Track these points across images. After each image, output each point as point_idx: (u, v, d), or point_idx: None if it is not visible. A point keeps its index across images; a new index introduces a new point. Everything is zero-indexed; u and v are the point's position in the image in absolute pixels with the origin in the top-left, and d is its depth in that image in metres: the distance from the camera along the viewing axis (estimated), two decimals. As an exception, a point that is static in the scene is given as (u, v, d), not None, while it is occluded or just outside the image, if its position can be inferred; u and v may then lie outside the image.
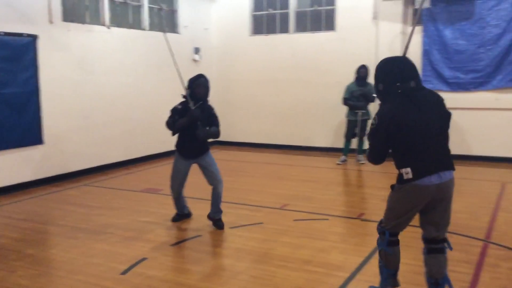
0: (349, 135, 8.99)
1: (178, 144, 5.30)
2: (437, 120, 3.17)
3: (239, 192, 6.46)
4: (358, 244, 4.86)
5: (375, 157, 3.31)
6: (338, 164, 8.93)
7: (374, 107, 9.14)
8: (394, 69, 3.22)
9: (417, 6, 8.89)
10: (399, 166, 3.20)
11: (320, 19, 10.35)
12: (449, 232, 4.98)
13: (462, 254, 4.50)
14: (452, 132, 10.21)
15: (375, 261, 4.33)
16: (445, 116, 3.23)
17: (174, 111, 5.12)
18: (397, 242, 3.40)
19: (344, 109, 9.05)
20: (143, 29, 9.50)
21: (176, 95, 9.90)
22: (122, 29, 8.95)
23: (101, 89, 8.50)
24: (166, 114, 9.70)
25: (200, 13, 10.97)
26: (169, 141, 9.99)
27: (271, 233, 5.12)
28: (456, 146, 9.08)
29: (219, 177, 5.22)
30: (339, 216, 5.79)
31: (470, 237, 4.93)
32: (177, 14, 10.33)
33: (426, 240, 3.35)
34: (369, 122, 9.03)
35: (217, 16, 11.31)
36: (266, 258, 4.45)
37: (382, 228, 3.40)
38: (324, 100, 10.23)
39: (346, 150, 9.04)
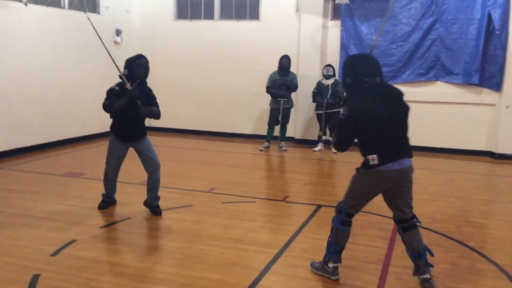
0: (272, 123, 9.28)
1: (114, 127, 5.09)
2: (399, 112, 3.50)
3: (167, 176, 6.47)
4: (284, 224, 5.13)
5: (343, 144, 3.54)
6: (262, 150, 9.21)
7: (296, 96, 9.56)
8: (362, 65, 3.52)
9: (337, 1, 9.33)
10: (365, 153, 3.48)
11: (245, 7, 10.52)
12: (366, 212, 5.45)
13: (377, 231, 4.94)
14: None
15: (300, 238, 4.67)
16: (405, 108, 3.54)
17: (111, 92, 4.90)
18: (350, 223, 3.70)
19: (268, 97, 9.32)
20: (62, 8, 9.11)
21: (97, 77, 9.74)
22: (40, 6, 8.53)
23: (16, 68, 8.07)
24: (86, 97, 9.59)
25: (123, -6, 10.72)
26: (88, 125, 9.79)
27: (201, 215, 5.25)
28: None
29: (157, 162, 5.15)
30: (265, 199, 6.06)
31: (383, 216, 5.37)
32: (98, -6, 10.02)
33: (398, 221, 3.68)
34: (292, 110, 9.43)
35: (140, -2, 11.11)
36: (198, 238, 4.58)
37: (340, 208, 3.68)
38: (247, 88, 10.47)
39: (269, 137, 9.34)
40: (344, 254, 4.26)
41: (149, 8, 11.09)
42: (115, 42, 10.49)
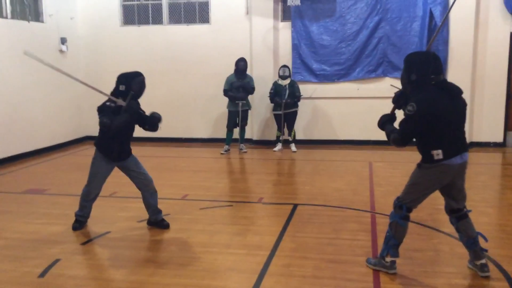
0: (230, 126, 9.29)
1: (103, 145, 4.78)
2: (461, 108, 3.64)
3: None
4: (267, 225, 5.20)
5: (406, 140, 3.62)
6: (222, 153, 9.19)
7: (252, 98, 9.63)
8: (430, 62, 3.58)
9: (289, 3, 9.49)
10: (429, 148, 3.58)
11: (194, 11, 10.47)
12: (341, 207, 5.64)
13: (357, 225, 5.10)
14: (320, 119, 11.10)
15: (287, 238, 4.74)
16: (465, 105, 3.68)
17: (107, 108, 4.59)
18: (409, 218, 3.81)
19: (225, 100, 9.33)
20: (5, 18, 8.65)
21: (43, 88, 9.32)
22: (-19, 16, 8.07)
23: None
24: (33, 109, 9.19)
25: (66, 1, 10.32)
26: (37, 138, 9.34)
27: (183, 223, 5.19)
28: (324, 132, 10.09)
29: (149, 176, 4.98)
30: (241, 202, 6.06)
31: (358, 210, 5.59)
32: (41, 2, 9.60)
33: (451, 211, 3.84)
34: (250, 112, 9.49)
35: (83, 5, 10.75)
36: (186, 246, 4.54)
37: (400, 203, 3.78)
38: (202, 91, 10.41)
39: (228, 140, 9.34)
40: (332, 249, 4.41)
41: (94, 14, 10.75)
42: (61, 51, 10.10)
